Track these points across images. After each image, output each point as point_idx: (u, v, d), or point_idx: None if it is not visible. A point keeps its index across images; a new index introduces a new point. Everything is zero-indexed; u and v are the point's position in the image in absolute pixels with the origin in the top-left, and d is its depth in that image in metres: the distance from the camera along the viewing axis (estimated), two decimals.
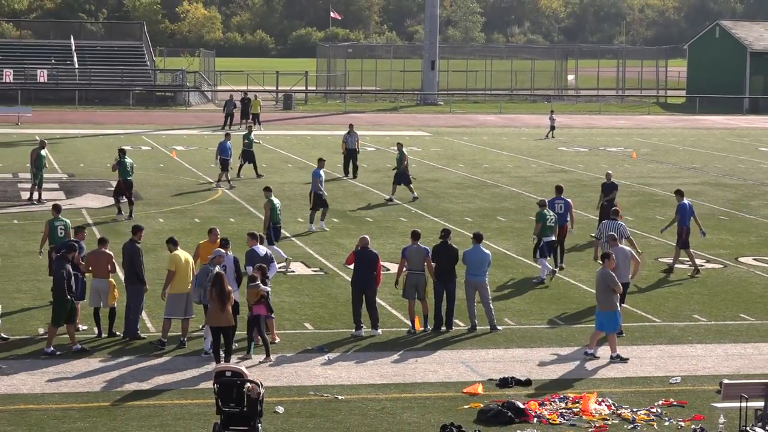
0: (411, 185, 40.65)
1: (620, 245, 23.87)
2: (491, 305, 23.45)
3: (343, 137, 46.24)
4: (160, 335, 21.91)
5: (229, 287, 20.35)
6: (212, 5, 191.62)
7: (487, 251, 23.67)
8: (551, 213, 28.49)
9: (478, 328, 23.24)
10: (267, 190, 30.03)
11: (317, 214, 34.52)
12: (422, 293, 23.11)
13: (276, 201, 29.47)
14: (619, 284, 21.65)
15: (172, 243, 22.40)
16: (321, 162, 35.92)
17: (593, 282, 24.28)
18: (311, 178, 34.97)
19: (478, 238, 23.80)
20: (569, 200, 30.18)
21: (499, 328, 23.36)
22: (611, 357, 21.47)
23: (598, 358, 21.50)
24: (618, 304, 21.56)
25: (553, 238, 28.18)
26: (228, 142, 42.88)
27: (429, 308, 23.37)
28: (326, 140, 61.20)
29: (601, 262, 26.22)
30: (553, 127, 65.60)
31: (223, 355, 20.36)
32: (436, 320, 23.32)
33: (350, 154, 46.00)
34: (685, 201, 29.68)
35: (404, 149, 40.94)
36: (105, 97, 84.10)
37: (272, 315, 21.86)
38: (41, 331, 22.44)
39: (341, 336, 22.75)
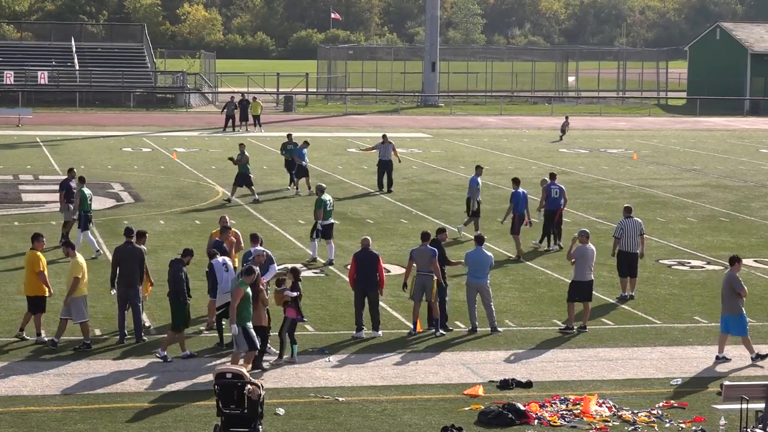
0: (252, 186, 39.57)
1: (588, 244, 23.81)
2: (492, 307, 23.44)
3: (377, 147, 42.95)
4: (83, 338, 21.65)
5: (263, 286, 20.42)
6: (213, 7, 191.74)
7: (489, 253, 23.67)
8: (329, 198, 29.74)
9: (478, 329, 23.24)
10: (81, 180, 30.93)
11: (465, 220, 33.89)
12: (429, 295, 23.03)
13: (87, 191, 30.40)
14: (745, 288, 21.65)
15: (71, 247, 22.12)
16: (479, 169, 34.75)
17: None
18: (468, 185, 34.16)
19: (479, 240, 23.80)
20: (562, 186, 32.36)
21: (499, 329, 23.35)
22: (717, 357, 21.56)
23: (730, 359, 21.55)
24: (743, 308, 21.55)
25: (332, 221, 28.94)
26: (304, 150, 41.36)
27: (436, 312, 23.26)
28: (326, 142, 61.16)
29: (612, 256, 26.47)
30: (563, 131, 65.67)
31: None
32: (442, 319, 23.28)
33: (385, 166, 42.40)
34: (520, 190, 31.18)
35: (246, 151, 39.88)
36: (106, 99, 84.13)
37: (304, 318, 21.90)
38: (42, 333, 22.43)
39: (342, 338, 22.75)
